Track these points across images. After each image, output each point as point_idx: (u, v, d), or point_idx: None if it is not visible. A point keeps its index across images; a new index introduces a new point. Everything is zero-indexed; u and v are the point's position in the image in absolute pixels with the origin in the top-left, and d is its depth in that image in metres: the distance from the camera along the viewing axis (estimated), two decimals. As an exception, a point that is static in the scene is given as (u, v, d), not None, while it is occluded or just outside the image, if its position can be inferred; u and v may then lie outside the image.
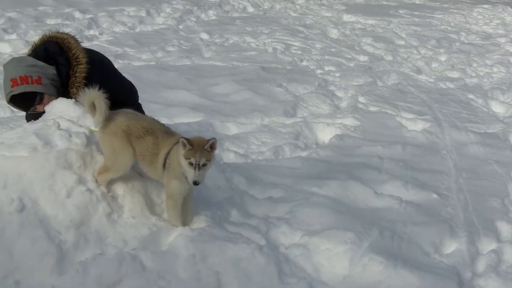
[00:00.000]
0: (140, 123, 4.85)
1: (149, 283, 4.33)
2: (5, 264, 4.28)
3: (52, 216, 4.60)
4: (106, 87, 5.27)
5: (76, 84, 5.59)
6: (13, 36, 12.29)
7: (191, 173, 4.57)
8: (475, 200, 6.53)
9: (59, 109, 5.37)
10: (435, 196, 6.48)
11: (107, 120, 4.78)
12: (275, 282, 4.58)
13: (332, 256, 4.96)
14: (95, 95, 4.66)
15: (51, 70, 5.56)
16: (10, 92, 5.41)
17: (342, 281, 4.78)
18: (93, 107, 4.72)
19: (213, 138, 4.73)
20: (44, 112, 5.51)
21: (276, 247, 5.05)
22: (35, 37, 11.40)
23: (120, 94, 5.80)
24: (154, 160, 4.82)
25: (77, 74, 5.62)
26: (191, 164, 4.56)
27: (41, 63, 5.53)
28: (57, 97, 5.53)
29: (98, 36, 13.41)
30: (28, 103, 5.55)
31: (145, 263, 4.49)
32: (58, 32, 5.95)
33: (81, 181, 4.83)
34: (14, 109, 5.93)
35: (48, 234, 4.50)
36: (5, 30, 12.58)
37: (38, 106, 5.53)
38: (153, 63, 11.56)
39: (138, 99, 6.37)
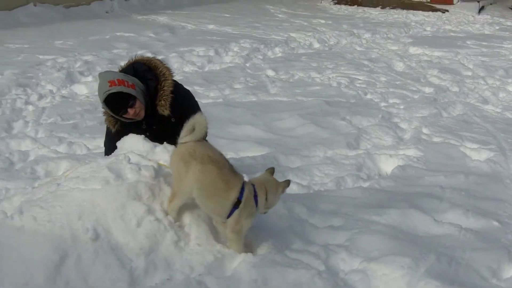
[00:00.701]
0: (207, 151, 5.09)
1: (214, 307, 4.60)
2: (81, 289, 4.56)
3: (123, 244, 4.92)
4: (188, 106, 5.99)
5: (164, 97, 6.13)
6: (89, 78, 12.85)
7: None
8: (537, 228, 6.53)
9: (130, 144, 5.75)
10: (495, 223, 6.52)
11: (177, 147, 5.13)
12: (334, 305, 4.80)
13: (389, 280, 5.11)
14: (202, 120, 5.11)
15: (141, 84, 6.10)
16: (108, 90, 5.90)
17: (399, 305, 4.93)
18: (191, 130, 5.08)
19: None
20: (131, 119, 6.08)
21: (335, 273, 5.23)
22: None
23: None
24: (218, 194, 5.04)
25: (165, 88, 6.16)
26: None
27: (132, 77, 6.08)
28: (145, 107, 6.08)
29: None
30: (121, 106, 5.99)
31: (210, 287, 4.74)
32: (143, 56, 6.56)
33: (150, 211, 5.14)
34: (106, 113, 6.30)
35: (120, 261, 4.80)
36: (81, 73, 13.18)
37: (129, 110, 6.00)
38: (220, 100, 11.93)
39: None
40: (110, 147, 6.23)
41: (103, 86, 5.93)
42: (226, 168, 5.10)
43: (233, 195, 5.02)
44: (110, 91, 5.88)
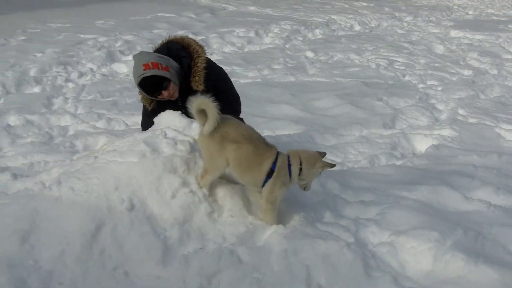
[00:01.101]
0: (239, 130, 5.22)
1: (245, 275, 4.72)
2: (116, 257, 4.77)
3: (158, 214, 5.09)
4: (220, 82, 6.20)
5: (197, 73, 6.26)
6: (129, 57, 13.03)
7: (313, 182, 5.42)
8: None
9: (166, 120, 5.91)
10: (525, 201, 6.56)
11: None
12: (361, 275, 4.88)
13: (417, 253, 5.21)
14: (206, 101, 5.00)
15: (174, 63, 6.22)
16: (142, 74, 6.04)
17: (425, 276, 5.01)
18: (201, 113, 5.09)
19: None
20: (166, 100, 6.21)
21: (364, 245, 5.35)
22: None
23: (230, 96, 6.52)
24: (253, 167, 5.21)
25: (198, 64, 6.28)
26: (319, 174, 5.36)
27: (166, 57, 6.20)
28: (180, 85, 6.22)
29: (208, 56, 13.98)
30: (155, 88, 6.14)
31: (242, 257, 4.89)
32: (176, 35, 6.68)
33: (185, 183, 5.30)
34: (141, 93, 6.42)
35: (154, 230, 4.97)
36: (122, 52, 13.42)
37: (163, 92, 6.15)
38: (259, 80, 12.06)
39: (240, 110, 6.84)
40: (146, 124, 6.38)
41: (138, 69, 6.07)
42: (259, 142, 5.25)
43: (266, 166, 5.19)
44: (145, 75, 6.01)
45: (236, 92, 6.83)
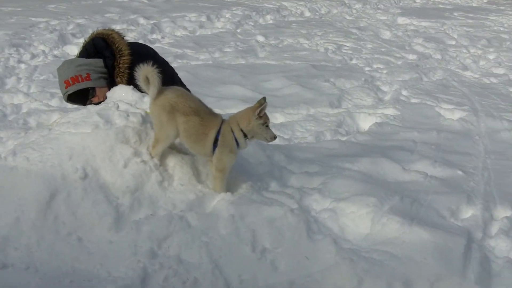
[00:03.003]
0: (188, 102, 5.40)
1: (193, 238, 4.93)
2: (70, 223, 4.93)
3: (111, 183, 5.25)
4: None
5: (120, 74, 6.33)
6: (81, 40, 13.05)
7: (270, 132, 5.56)
8: (498, 177, 6.98)
9: (119, 94, 6.06)
10: (460, 173, 6.95)
11: (159, 93, 5.34)
12: (303, 238, 5.14)
13: (356, 218, 5.51)
14: (149, 69, 5.20)
15: (99, 63, 6.32)
16: (66, 92, 6.24)
17: (364, 238, 5.31)
18: (147, 81, 5.27)
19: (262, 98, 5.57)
20: (99, 102, 6.20)
21: (307, 211, 5.62)
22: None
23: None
24: (201, 138, 5.42)
25: (120, 65, 6.32)
26: (267, 126, 5.52)
27: (88, 60, 6.29)
28: (108, 88, 6.23)
29: (160, 39, 14.23)
30: (84, 97, 6.32)
31: (191, 222, 5.10)
32: (104, 29, 6.66)
33: (136, 153, 5.46)
34: (74, 106, 6.61)
35: (107, 198, 5.14)
36: (74, 35, 13.52)
37: (92, 99, 6.31)
38: (210, 62, 12.29)
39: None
40: None
41: (62, 87, 6.26)
42: (205, 114, 5.47)
43: (212, 135, 5.41)
44: (68, 92, 6.22)
45: (171, 71, 6.90)
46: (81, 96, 6.33)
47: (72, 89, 6.20)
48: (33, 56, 11.56)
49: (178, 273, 4.62)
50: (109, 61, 6.36)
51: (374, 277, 4.73)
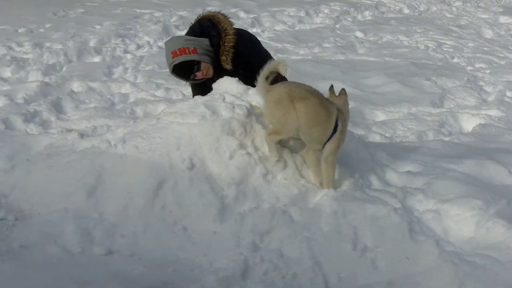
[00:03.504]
0: (302, 86, 5.44)
1: (296, 233, 4.95)
2: (176, 212, 5.03)
3: (216, 174, 5.32)
4: (251, 58, 6.33)
5: (225, 52, 6.47)
6: (184, 32, 13.27)
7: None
8: None
9: (225, 86, 6.14)
10: None
11: (269, 91, 5.38)
12: (406, 238, 5.08)
13: (460, 220, 5.41)
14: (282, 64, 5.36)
15: (205, 42, 6.46)
16: (172, 62, 6.38)
17: (467, 241, 5.21)
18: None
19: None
20: (202, 79, 6.48)
21: (410, 211, 5.56)
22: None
23: None
24: (321, 121, 5.39)
25: (225, 44, 6.47)
26: None
27: (195, 37, 6.46)
28: (212, 65, 6.45)
29: (260, 33, 14.31)
30: (188, 72, 6.45)
31: (294, 216, 5.12)
32: (210, 11, 6.85)
33: (242, 146, 5.51)
34: (177, 79, 6.79)
35: (213, 189, 5.21)
36: (177, 27, 13.80)
37: (197, 73, 6.45)
38: (309, 57, 12.30)
39: None
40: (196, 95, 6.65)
41: (168, 59, 6.44)
42: (323, 97, 5.50)
43: (333, 119, 5.40)
44: (174, 63, 6.36)
45: None
46: (185, 71, 6.47)
47: (178, 59, 6.34)
48: (139, 47, 11.85)
49: (278, 267, 4.64)
50: (215, 40, 6.50)
51: (476, 281, 4.63)
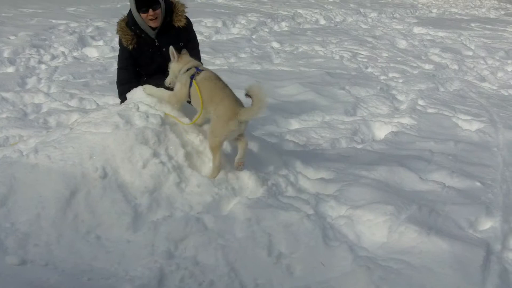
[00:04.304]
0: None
1: (210, 241, 4.99)
2: (89, 221, 5.02)
3: (130, 183, 5.34)
4: (192, 38, 7.34)
5: (179, 13, 7.07)
6: (100, 43, 13.32)
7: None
8: (517, 189, 6.93)
9: (139, 95, 6.18)
10: (478, 184, 6.92)
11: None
12: (319, 244, 5.18)
13: (372, 225, 5.54)
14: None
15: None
16: None
17: (380, 247, 5.33)
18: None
19: None
20: (144, 42, 7.01)
21: (323, 217, 5.66)
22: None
23: (197, 46, 7.58)
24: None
25: (179, 12, 7.08)
26: None
27: None
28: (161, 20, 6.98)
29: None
30: (148, 3, 6.82)
31: (208, 224, 5.16)
32: None
33: (155, 154, 5.56)
34: (121, 28, 7.15)
35: (126, 197, 5.22)
36: (92, 37, 13.62)
37: (151, 10, 6.83)
38: (226, 67, 12.36)
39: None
40: (124, 66, 7.06)
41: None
42: None
43: None
44: None
45: None
46: (144, 3, 6.84)
47: None
48: (53, 57, 11.68)
49: (194, 275, 4.67)
50: (168, 6, 7.05)
51: (391, 285, 4.74)
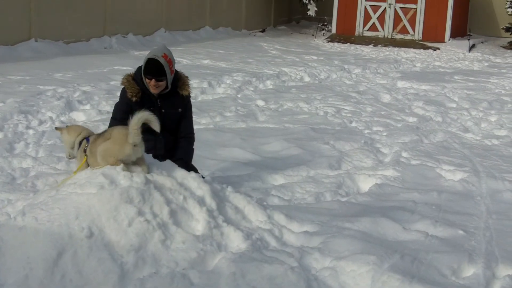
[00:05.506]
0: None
1: (196, 296, 5.12)
2: (77, 281, 5.13)
3: (115, 241, 5.46)
4: (189, 108, 7.83)
5: (186, 83, 7.70)
6: (87, 107, 13.47)
7: None
8: (500, 237, 7.02)
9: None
10: (461, 232, 7.01)
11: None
12: (304, 296, 5.31)
13: (356, 275, 5.62)
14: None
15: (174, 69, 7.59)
16: (158, 57, 7.20)
17: (364, 296, 5.44)
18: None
19: None
20: (154, 86, 7.36)
21: (307, 269, 5.74)
22: (106, 107, 12.67)
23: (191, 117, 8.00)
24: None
25: (185, 81, 7.72)
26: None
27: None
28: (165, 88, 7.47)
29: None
30: (153, 73, 7.28)
31: (193, 280, 5.28)
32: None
33: (140, 213, 5.69)
34: (129, 79, 7.62)
35: (112, 256, 5.34)
36: (80, 102, 13.78)
37: (154, 80, 7.29)
38: (211, 126, 12.52)
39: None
40: (118, 118, 7.32)
41: (157, 52, 7.23)
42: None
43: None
44: (159, 60, 7.13)
45: None
46: (151, 70, 7.29)
47: (163, 62, 7.20)
48: (41, 122, 11.82)
49: (181, 331, 4.71)
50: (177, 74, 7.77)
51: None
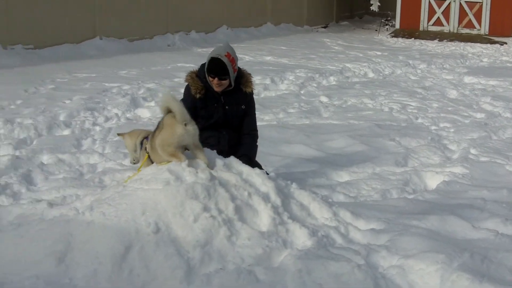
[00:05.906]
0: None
1: (262, 292, 5.07)
2: (144, 275, 5.17)
3: (182, 237, 5.49)
4: (253, 104, 7.97)
5: (250, 80, 7.83)
6: (152, 103, 13.63)
7: None
8: None
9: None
10: (533, 230, 6.83)
11: None
12: (372, 294, 5.23)
13: (424, 274, 5.51)
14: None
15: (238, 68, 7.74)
16: (221, 56, 7.33)
17: (433, 296, 5.32)
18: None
19: None
20: (212, 95, 7.57)
21: (374, 267, 5.65)
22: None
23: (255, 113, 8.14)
24: None
25: (249, 79, 7.84)
26: None
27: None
28: (228, 85, 7.59)
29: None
30: (215, 72, 7.39)
31: (259, 276, 5.25)
32: None
33: (206, 209, 5.70)
34: (194, 76, 7.72)
35: (178, 251, 5.36)
36: (144, 99, 13.97)
37: (217, 79, 7.40)
38: (274, 122, 12.51)
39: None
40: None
41: (220, 50, 7.35)
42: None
43: None
44: (222, 59, 7.24)
45: None
46: (214, 68, 7.40)
47: (225, 61, 7.30)
48: (107, 119, 12.01)
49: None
50: (241, 72, 7.88)
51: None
